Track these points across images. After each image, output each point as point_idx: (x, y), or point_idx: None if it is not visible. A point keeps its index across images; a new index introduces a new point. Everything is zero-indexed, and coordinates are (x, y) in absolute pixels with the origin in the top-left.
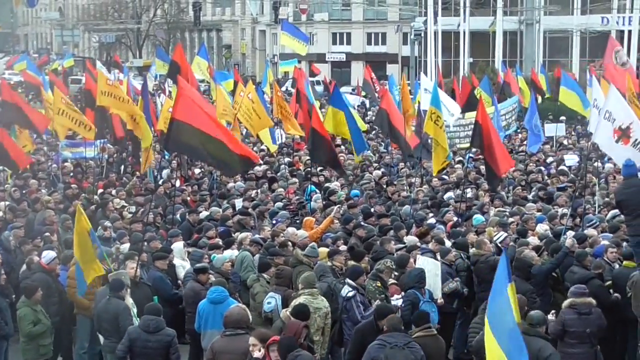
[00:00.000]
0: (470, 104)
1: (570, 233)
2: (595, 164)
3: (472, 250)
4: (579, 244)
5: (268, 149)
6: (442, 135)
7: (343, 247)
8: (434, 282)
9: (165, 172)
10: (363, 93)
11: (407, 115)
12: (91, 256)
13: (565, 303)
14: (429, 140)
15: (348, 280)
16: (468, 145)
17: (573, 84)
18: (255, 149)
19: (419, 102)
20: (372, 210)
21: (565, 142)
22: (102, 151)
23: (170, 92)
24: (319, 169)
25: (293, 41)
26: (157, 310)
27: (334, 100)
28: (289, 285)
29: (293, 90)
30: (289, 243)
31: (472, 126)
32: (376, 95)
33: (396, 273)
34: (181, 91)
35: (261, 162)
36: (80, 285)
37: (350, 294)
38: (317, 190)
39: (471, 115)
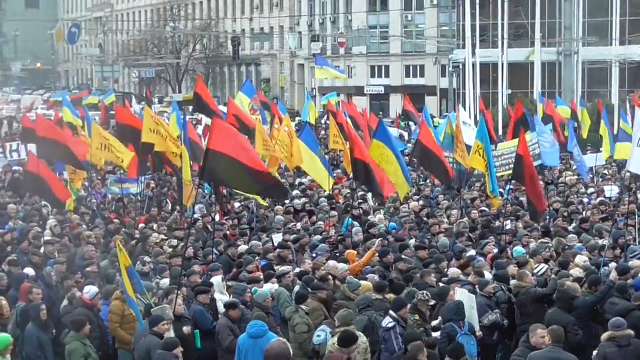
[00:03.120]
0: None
1: (613, 265)
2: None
3: (513, 282)
4: (622, 276)
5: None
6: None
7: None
8: (470, 315)
9: (197, 207)
10: (401, 124)
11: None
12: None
13: (604, 336)
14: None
15: (390, 312)
16: (502, 174)
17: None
18: (296, 182)
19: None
20: (412, 242)
21: (605, 172)
22: (147, 187)
23: (207, 124)
24: (358, 201)
25: (329, 72)
26: (169, 345)
27: (378, 134)
28: None
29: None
30: (330, 276)
31: (506, 156)
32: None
33: (432, 302)
34: (216, 121)
35: (300, 194)
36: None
37: (390, 325)
38: (356, 223)
39: (503, 146)
